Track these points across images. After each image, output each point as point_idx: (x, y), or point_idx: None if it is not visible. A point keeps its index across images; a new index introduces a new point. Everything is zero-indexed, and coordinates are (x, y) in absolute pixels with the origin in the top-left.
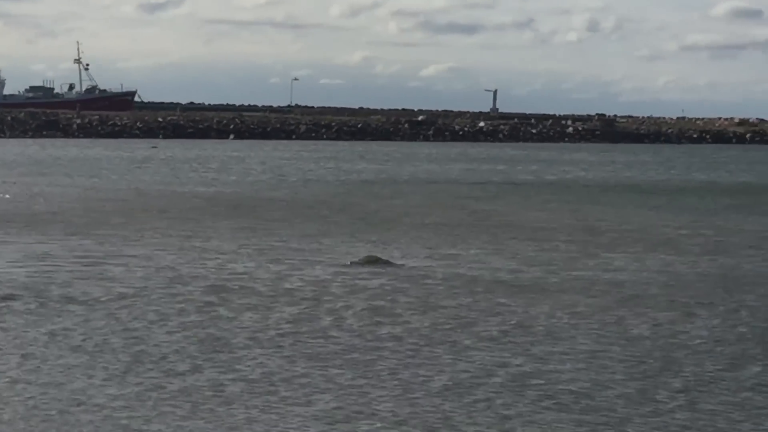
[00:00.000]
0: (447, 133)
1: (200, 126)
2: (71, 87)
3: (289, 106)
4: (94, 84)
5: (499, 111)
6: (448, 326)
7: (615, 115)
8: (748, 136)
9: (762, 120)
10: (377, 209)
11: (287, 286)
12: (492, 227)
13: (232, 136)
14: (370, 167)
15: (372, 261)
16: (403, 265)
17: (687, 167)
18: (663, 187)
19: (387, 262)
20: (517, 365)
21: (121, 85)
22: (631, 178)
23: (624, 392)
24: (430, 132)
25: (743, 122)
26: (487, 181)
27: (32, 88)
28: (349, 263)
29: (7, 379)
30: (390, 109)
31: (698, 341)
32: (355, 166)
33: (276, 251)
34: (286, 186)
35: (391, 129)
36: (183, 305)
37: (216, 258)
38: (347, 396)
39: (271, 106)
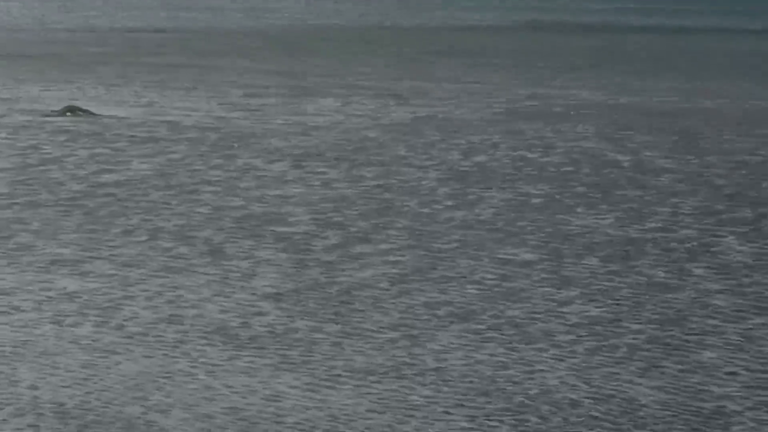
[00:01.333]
0: None
1: None
2: None
3: None
4: None
5: None
6: (171, 172)
7: None
8: None
9: None
10: (76, 55)
11: None
12: (196, 75)
13: None
14: (69, 16)
15: (73, 110)
16: (107, 114)
17: (382, 12)
18: (363, 33)
19: (89, 112)
20: (240, 208)
21: None
22: (331, 25)
23: (325, 236)
24: None
25: None
26: (187, 29)
27: None
28: (52, 111)
29: None
30: None
31: (411, 185)
32: (51, 15)
33: None
34: None
35: None
36: None
37: None
38: (76, 243)
39: None
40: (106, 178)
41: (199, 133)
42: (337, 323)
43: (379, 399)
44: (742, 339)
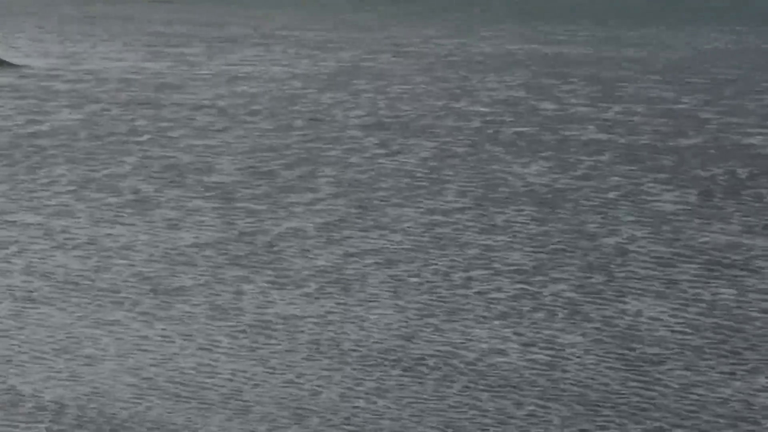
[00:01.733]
0: None
1: None
2: None
3: None
4: None
5: None
6: (97, 122)
7: None
8: None
9: None
10: None
11: None
12: (119, 25)
13: None
14: None
15: None
16: (29, 65)
17: None
18: None
19: (10, 63)
20: (167, 157)
21: None
22: None
23: (253, 186)
24: None
25: None
26: None
27: None
28: None
29: None
30: None
31: (338, 135)
32: None
33: None
34: None
35: None
36: None
37: None
38: (3, 194)
39: None
40: (32, 129)
41: (124, 83)
42: (265, 272)
43: (307, 346)
44: (667, 285)
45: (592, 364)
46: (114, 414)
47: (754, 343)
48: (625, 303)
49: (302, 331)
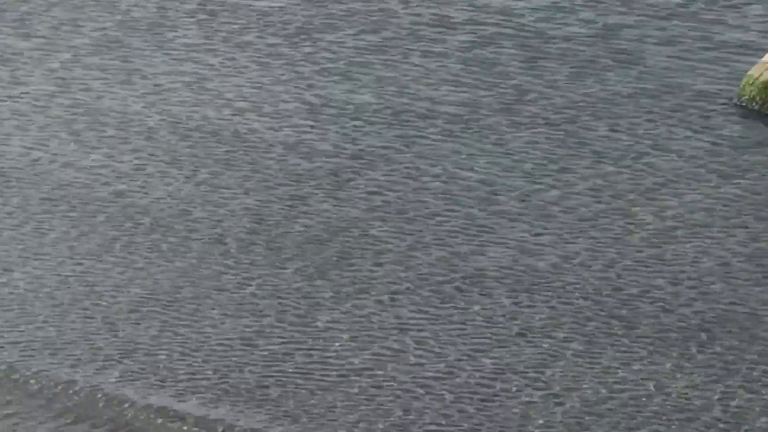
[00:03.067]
0: None
1: None
2: None
3: None
4: None
5: None
6: None
7: None
8: None
9: None
10: None
11: None
12: None
13: None
14: None
15: None
16: None
17: None
18: None
19: None
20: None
21: None
22: None
23: (48, 8)
24: None
25: None
26: None
27: None
28: None
29: None
30: None
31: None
32: None
33: None
34: None
35: None
36: None
37: None
38: None
39: None
40: None
41: None
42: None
43: (91, 143)
44: (430, 45)
45: (366, 116)
46: None
47: (543, 111)
48: (402, 64)
49: (80, 133)
